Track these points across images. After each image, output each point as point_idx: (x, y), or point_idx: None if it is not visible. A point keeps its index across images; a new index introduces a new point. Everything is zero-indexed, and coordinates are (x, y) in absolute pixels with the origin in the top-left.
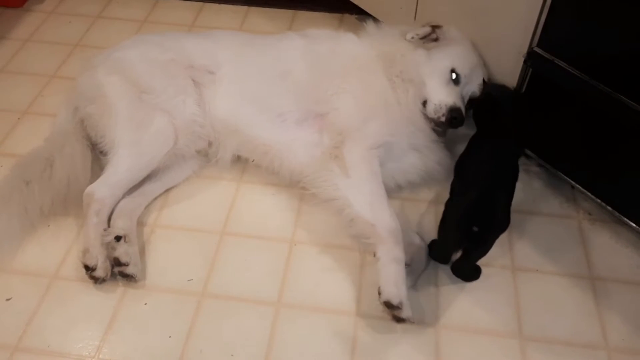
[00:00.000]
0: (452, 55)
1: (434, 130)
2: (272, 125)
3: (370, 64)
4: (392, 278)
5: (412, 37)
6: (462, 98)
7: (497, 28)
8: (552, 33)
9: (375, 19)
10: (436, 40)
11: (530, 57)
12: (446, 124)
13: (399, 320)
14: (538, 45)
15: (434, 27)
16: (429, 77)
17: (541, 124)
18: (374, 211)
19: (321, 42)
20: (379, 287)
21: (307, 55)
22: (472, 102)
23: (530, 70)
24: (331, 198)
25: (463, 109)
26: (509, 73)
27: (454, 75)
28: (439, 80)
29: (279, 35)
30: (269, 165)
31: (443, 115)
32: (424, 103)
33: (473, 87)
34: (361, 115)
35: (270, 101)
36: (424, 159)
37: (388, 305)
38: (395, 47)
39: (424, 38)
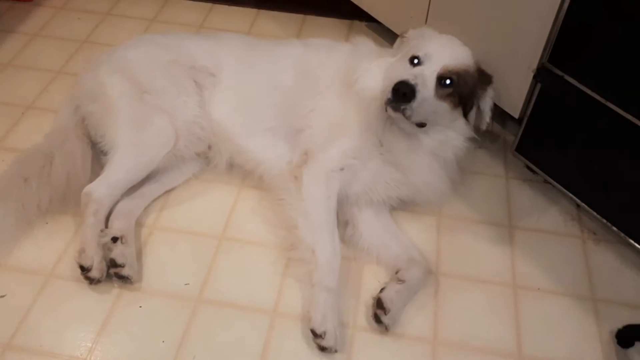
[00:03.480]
0: (411, 50)
1: (394, 119)
2: (263, 139)
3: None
4: (320, 307)
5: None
6: (423, 78)
7: (507, 40)
8: (563, 49)
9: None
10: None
11: (540, 73)
12: (393, 100)
13: (321, 348)
14: (549, 60)
15: (402, 35)
16: (389, 79)
17: (548, 138)
18: (316, 237)
19: (315, 53)
20: (309, 312)
21: (299, 65)
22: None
23: (539, 86)
24: (285, 217)
25: (419, 82)
26: (518, 88)
27: (415, 61)
28: (395, 73)
29: (283, 41)
30: (260, 178)
31: (388, 92)
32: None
33: (441, 62)
34: (329, 134)
35: (262, 112)
36: (408, 175)
37: (312, 332)
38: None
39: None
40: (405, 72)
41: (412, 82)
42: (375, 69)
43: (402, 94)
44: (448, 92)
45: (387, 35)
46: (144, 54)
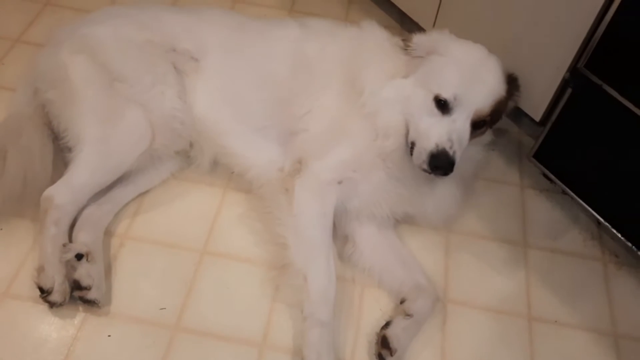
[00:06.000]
0: (430, 78)
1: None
2: (252, 140)
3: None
4: (314, 345)
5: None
6: (459, 137)
7: (533, 33)
8: (606, 54)
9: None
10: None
11: (574, 78)
12: (429, 170)
13: None
14: (586, 65)
15: (404, 41)
16: (410, 115)
17: (572, 148)
18: (309, 261)
19: (315, 39)
20: (302, 351)
21: (294, 53)
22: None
23: (569, 90)
24: (274, 233)
25: (456, 146)
26: (542, 89)
27: (441, 102)
28: (419, 115)
29: (277, 21)
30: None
31: (424, 162)
32: (412, 145)
33: (475, 104)
34: (327, 141)
35: (252, 108)
36: (415, 193)
37: None
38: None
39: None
40: (436, 131)
41: (450, 151)
42: (388, 94)
43: (436, 169)
44: (482, 130)
45: (392, 10)
46: (114, 31)
